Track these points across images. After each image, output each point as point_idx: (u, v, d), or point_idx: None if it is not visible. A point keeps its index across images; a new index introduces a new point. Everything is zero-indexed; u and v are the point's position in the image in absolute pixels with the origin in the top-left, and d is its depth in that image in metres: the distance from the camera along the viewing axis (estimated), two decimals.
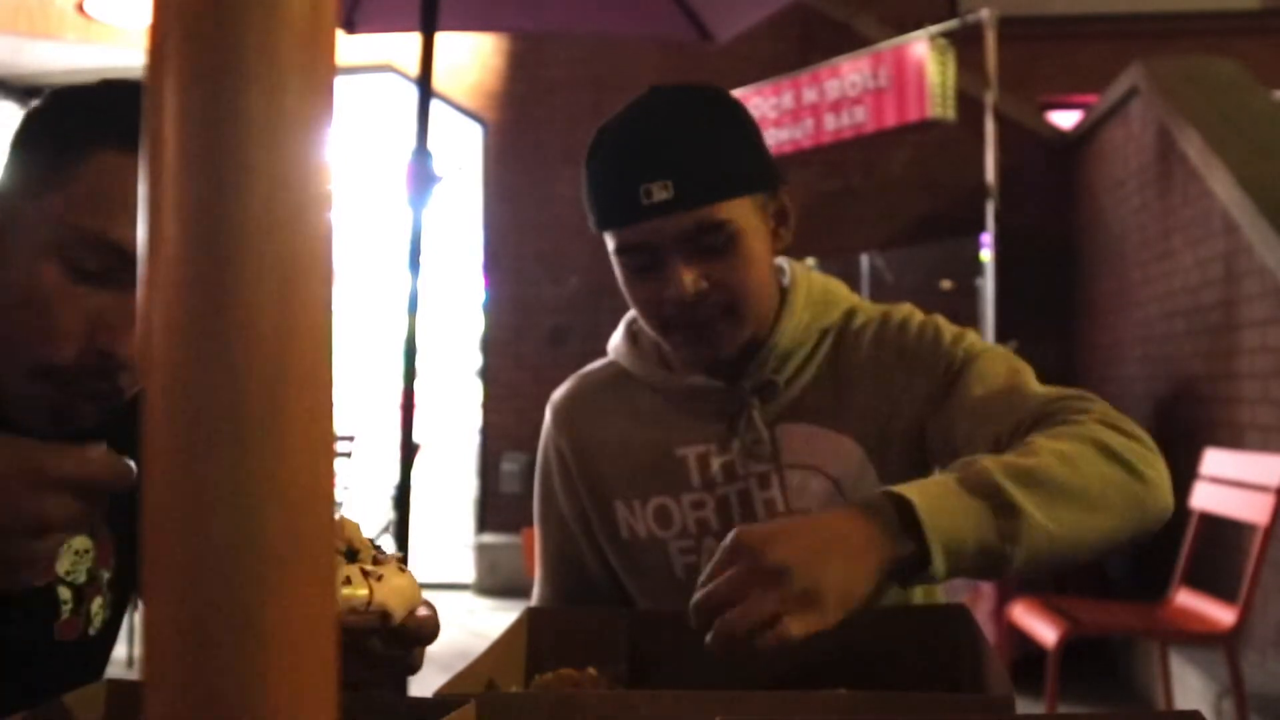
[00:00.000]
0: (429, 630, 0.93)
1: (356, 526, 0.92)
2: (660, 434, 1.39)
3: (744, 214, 1.27)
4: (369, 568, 0.88)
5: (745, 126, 1.32)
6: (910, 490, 1.03)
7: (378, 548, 0.92)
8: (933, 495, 1.03)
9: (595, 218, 1.32)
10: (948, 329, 1.34)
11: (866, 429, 1.33)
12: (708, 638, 1.00)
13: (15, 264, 0.98)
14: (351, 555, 0.89)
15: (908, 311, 1.38)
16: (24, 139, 1.03)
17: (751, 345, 1.34)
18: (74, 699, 0.85)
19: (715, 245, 1.26)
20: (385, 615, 0.87)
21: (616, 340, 1.47)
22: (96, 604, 1.10)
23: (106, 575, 1.12)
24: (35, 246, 0.97)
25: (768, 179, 1.31)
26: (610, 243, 1.31)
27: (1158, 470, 1.14)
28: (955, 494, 1.04)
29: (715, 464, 1.36)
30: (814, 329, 1.37)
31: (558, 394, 1.49)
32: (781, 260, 1.41)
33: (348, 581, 0.86)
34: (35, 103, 1.04)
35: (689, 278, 1.25)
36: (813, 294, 1.38)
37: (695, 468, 1.37)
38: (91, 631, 1.10)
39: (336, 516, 0.92)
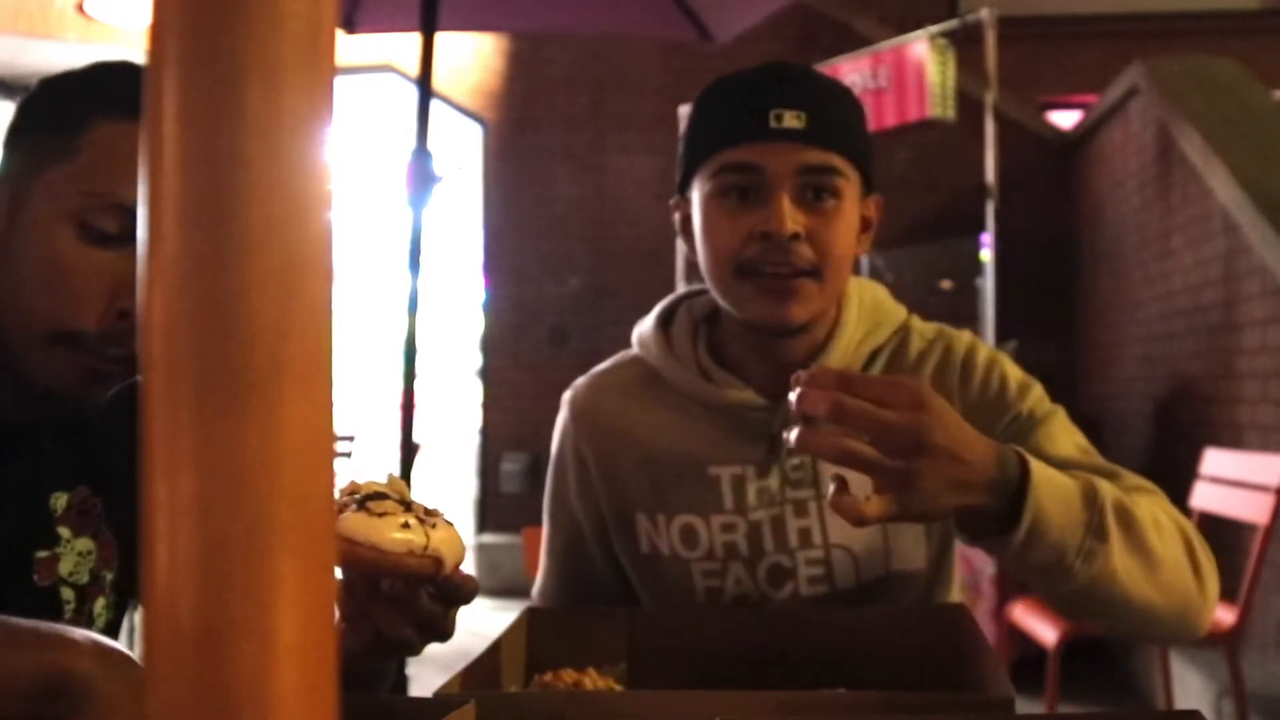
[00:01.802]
0: (471, 587, 0.94)
1: (404, 483, 0.94)
2: (693, 449, 1.31)
3: (851, 183, 1.26)
4: (423, 517, 0.90)
5: (863, 115, 1.32)
6: (1035, 464, 1.02)
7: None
8: (1051, 480, 1.03)
9: (706, 142, 1.27)
10: (1013, 376, 1.29)
11: None
12: (793, 434, 0.96)
13: (30, 237, 1.00)
14: (406, 505, 0.91)
15: (969, 344, 1.32)
16: (22, 124, 1.05)
17: (803, 359, 1.29)
18: None
19: (823, 193, 1.23)
20: (439, 562, 0.89)
21: (646, 336, 1.39)
22: (100, 605, 1.11)
23: (109, 576, 1.12)
24: (49, 217, 0.99)
25: (869, 171, 1.30)
26: (711, 168, 1.26)
27: (1214, 590, 1.14)
28: (1067, 490, 1.04)
29: (751, 488, 1.29)
30: (864, 349, 1.32)
31: (579, 391, 1.41)
32: None
33: (406, 526, 0.88)
34: (29, 91, 1.06)
35: (791, 215, 1.21)
36: (864, 308, 1.34)
37: (729, 490, 1.30)
38: (95, 631, 1.10)
39: (385, 477, 0.94)
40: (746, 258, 1.23)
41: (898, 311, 1.37)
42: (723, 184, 1.24)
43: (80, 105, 1.01)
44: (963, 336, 1.34)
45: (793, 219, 1.21)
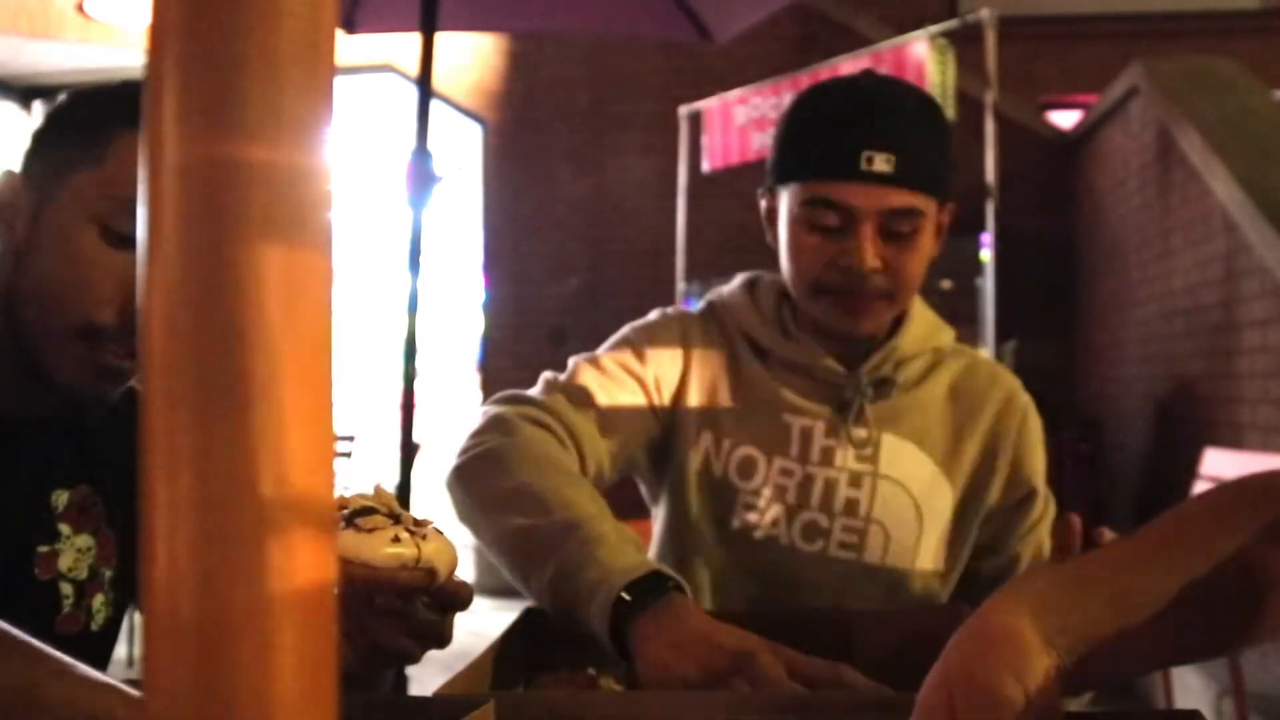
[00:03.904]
0: (466, 594, 0.95)
1: (391, 495, 0.95)
2: (774, 394, 1.38)
3: (929, 212, 1.33)
4: (413, 529, 0.90)
5: (949, 134, 1.38)
6: None
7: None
8: None
9: (798, 165, 1.34)
10: (1043, 456, 1.42)
11: (965, 490, 1.39)
12: None
13: (55, 236, 1.04)
14: (395, 518, 0.91)
15: (1027, 402, 1.43)
16: (50, 130, 1.10)
17: (871, 341, 1.39)
18: None
19: (904, 231, 1.30)
20: (432, 573, 0.90)
21: (733, 299, 1.45)
22: (98, 600, 1.12)
23: (108, 573, 1.14)
24: (73, 218, 1.04)
25: (951, 190, 1.37)
26: (800, 194, 1.32)
27: None
28: None
29: (817, 444, 1.37)
30: (928, 344, 1.42)
31: (680, 310, 1.47)
32: None
33: (397, 540, 0.88)
34: (59, 101, 1.13)
35: (872, 252, 1.29)
36: (925, 314, 1.45)
37: (797, 438, 1.37)
38: (94, 627, 1.12)
39: (372, 488, 0.94)
40: (826, 281, 1.32)
41: (948, 328, 1.47)
42: (810, 214, 1.31)
43: (107, 117, 1.06)
44: (1020, 389, 1.44)
45: (874, 255, 1.29)
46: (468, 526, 1.28)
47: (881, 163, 1.27)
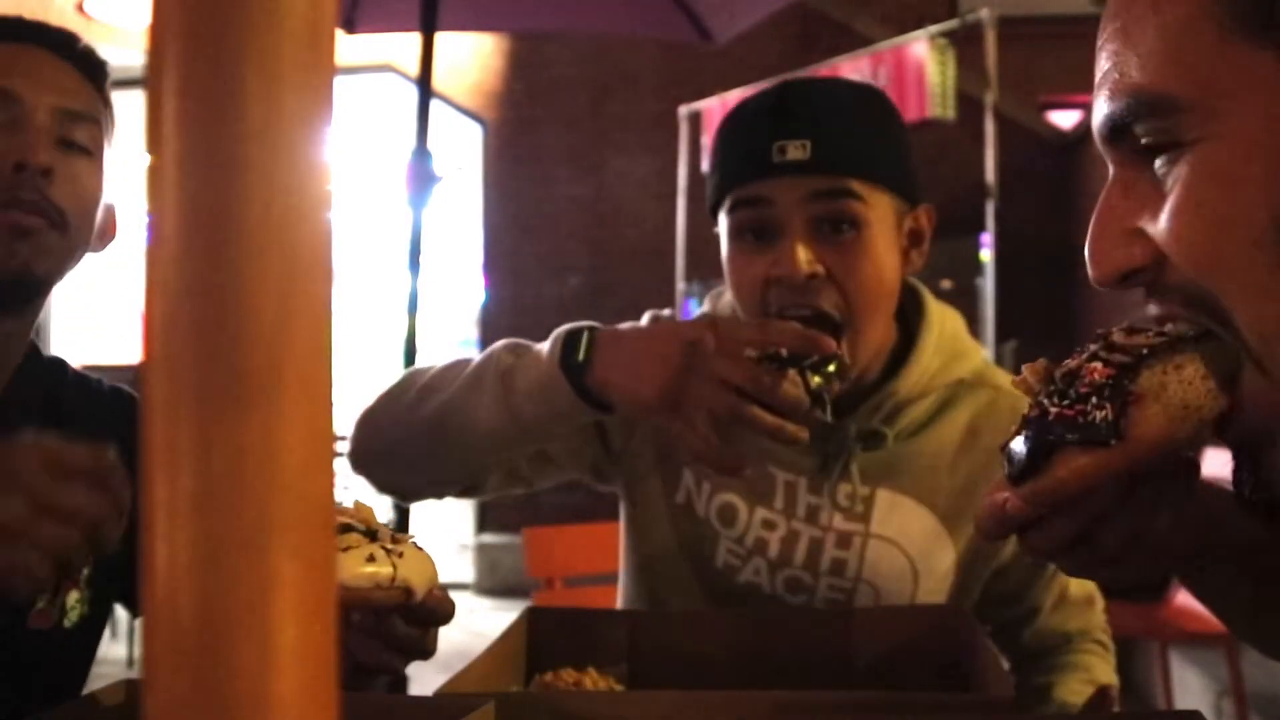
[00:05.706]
0: (446, 610, 0.94)
1: (371, 509, 0.94)
2: (760, 442, 1.19)
3: (877, 207, 1.18)
4: (389, 546, 0.89)
5: (892, 123, 1.25)
6: None
7: (393, 528, 0.94)
8: None
9: (718, 180, 1.24)
10: None
11: (970, 545, 1.27)
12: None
13: None
14: (371, 535, 0.90)
15: None
16: None
17: (863, 385, 1.25)
18: (94, 698, 0.86)
19: (840, 224, 1.17)
20: (409, 591, 0.89)
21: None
22: (73, 598, 1.12)
23: (86, 571, 1.13)
24: None
25: (905, 185, 1.23)
26: (726, 205, 1.22)
27: None
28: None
29: (802, 499, 1.27)
30: (941, 380, 1.27)
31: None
32: (917, 284, 1.32)
33: (371, 559, 0.88)
34: None
35: (804, 255, 1.15)
36: (944, 338, 1.29)
37: (782, 491, 1.27)
38: (66, 624, 1.12)
39: (351, 503, 0.93)
40: (769, 306, 1.19)
41: (975, 349, 1.33)
42: (737, 222, 1.21)
43: None
44: None
45: (808, 259, 1.15)
46: (390, 460, 1.28)
47: (795, 150, 1.16)
